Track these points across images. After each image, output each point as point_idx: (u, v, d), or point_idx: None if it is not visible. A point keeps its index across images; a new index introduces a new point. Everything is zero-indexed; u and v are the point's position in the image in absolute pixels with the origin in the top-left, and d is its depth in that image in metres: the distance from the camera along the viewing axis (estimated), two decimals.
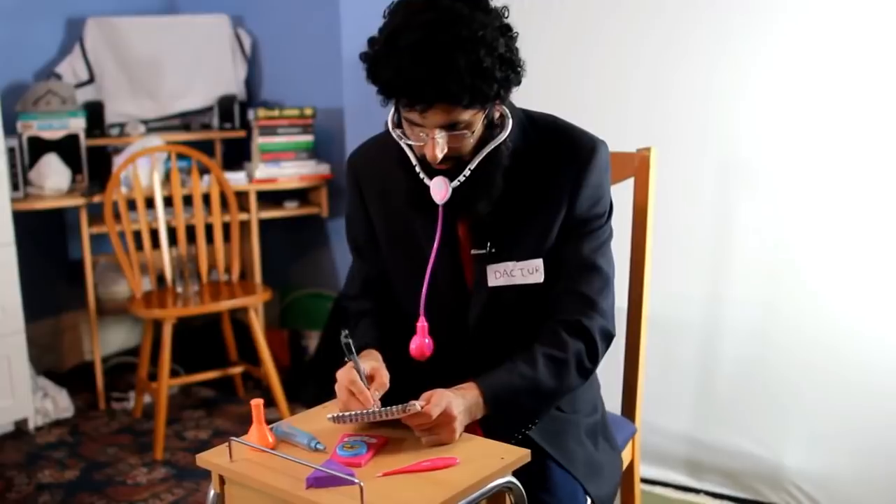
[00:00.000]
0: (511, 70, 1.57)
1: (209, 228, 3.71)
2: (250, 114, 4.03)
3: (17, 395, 3.48)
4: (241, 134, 4.19)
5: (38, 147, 3.76)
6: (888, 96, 2.53)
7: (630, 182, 2.09)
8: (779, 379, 2.73)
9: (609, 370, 2.14)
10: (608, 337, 1.73)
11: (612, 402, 2.11)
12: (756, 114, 2.72)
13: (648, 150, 2.06)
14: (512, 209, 1.70)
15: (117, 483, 3.14)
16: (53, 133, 3.79)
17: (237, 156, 4.24)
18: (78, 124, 3.85)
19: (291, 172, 3.95)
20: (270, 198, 4.06)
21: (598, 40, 2.98)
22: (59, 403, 3.69)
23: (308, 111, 3.96)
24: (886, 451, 2.58)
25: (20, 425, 3.57)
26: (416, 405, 1.51)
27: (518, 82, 1.61)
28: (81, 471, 3.23)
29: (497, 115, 1.65)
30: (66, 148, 3.80)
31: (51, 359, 4.14)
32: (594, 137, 1.74)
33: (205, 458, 1.54)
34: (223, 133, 4.20)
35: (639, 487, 2.14)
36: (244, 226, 3.90)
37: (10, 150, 3.60)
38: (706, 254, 2.83)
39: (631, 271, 2.09)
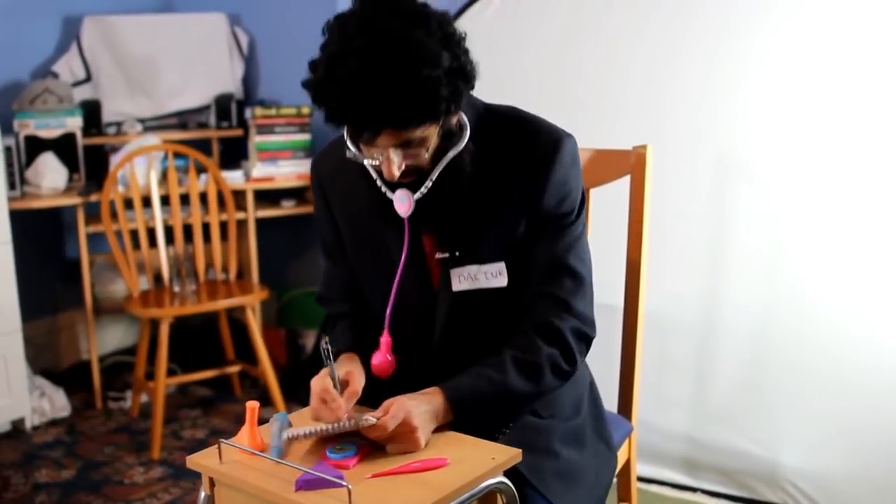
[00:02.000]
0: (460, 79, 1.53)
1: (206, 227, 3.71)
2: (247, 112, 4.03)
3: (13, 394, 3.48)
4: (238, 132, 4.18)
5: (35, 146, 3.75)
6: (884, 93, 2.53)
7: (626, 180, 2.08)
8: (776, 378, 2.73)
9: (606, 369, 2.14)
10: (584, 338, 1.69)
11: (608, 400, 2.11)
12: (752, 111, 2.72)
13: (644, 147, 2.05)
14: (474, 211, 1.66)
15: (114, 482, 3.14)
16: (50, 132, 3.78)
17: (234, 154, 4.24)
18: (75, 123, 3.84)
19: (288, 171, 3.95)
20: (267, 196, 4.06)
21: (593, 38, 2.99)
22: (56, 403, 3.69)
23: (305, 110, 3.96)
24: (883, 450, 2.58)
25: (17, 424, 3.56)
26: (371, 418, 1.49)
27: (471, 86, 1.58)
28: (78, 470, 3.23)
29: (454, 121, 1.61)
30: (63, 147, 3.80)
31: (47, 358, 4.13)
32: (558, 130, 1.69)
33: (194, 461, 1.53)
34: (220, 132, 4.20)
35: (635, 486, 2.14)
36: (241, 224, 3.90)
37: (7, 149, 3.60)
38: (703, 252, 2.83)
39: (627, 270, 2.09)
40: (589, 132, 2.85)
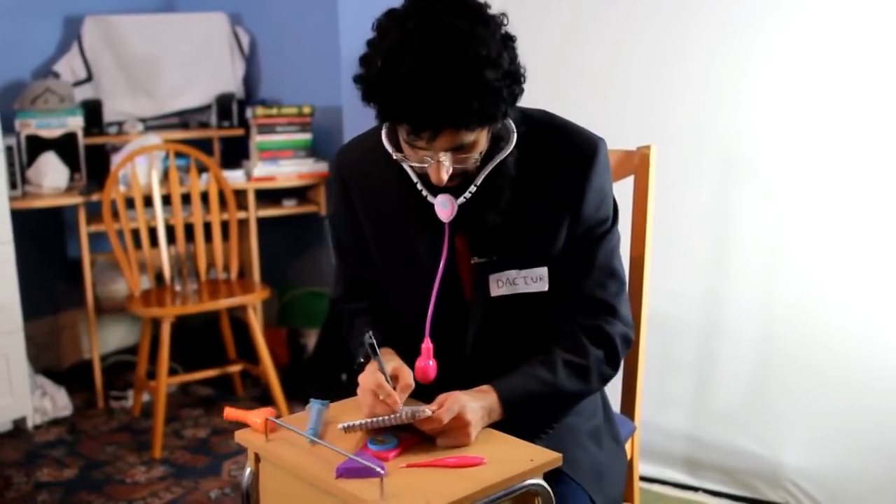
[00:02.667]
0: (516, 81, 1.51)
1: (207, 227, 3.71)
2: (248, 112, 4.03)
3: (15, 393, 3.48)
4: (240, 132, 4.18)
5: (37, 145, 3.75)
6: (886, 92, 2.53)
7: (630, 180, 2.09)
8: (778, 377, 2.73)
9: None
10: (628, 343, 1.70)
11: (611, 400, 2.11)
12: (755, 110, 2.72)
13: (648, 147, 2.06)
14: (514, 215, 1.63)
15: (116, 482, 3.14)
16: (51, 131, 3.78)
17: (235, 154, 4.24)
18: (76, 123, 3.84)
19: (290, 171, 3.95)
20: (269, 196, 4.06)
21: (594, 38, 2.98)
22: (58, 402, 3.69)
23: (306, 109, 3.96)
24: (884, 449, 2.58)
25: (19, 424, 3.56)
26: (427, 410, 1.48)
27: (522, 90, 1.55)
28: (80, 469, 3.23)
29: (502, 125, 1.59)
30: (65, 146, 3.80)
31: (49, 357, 4.13)
32: (593, 136, 1.68)
33: (242, 436, 1.56)
34: (221, 131, 4.20)
35: (638, 485, 2.14)
36: (242, 224, 3.90)
37: (9, 149, 3.60)
38: (705, 252, 2.83)
39: (630, 269, 2.09)
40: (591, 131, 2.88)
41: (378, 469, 1.34)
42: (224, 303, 3.49)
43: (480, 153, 1.54)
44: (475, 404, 1.53)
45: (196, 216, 3.62)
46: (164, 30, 4.22)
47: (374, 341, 1.52)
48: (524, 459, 1.46)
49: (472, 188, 1.57)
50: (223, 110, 4.18)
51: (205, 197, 3.69)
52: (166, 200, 3.66)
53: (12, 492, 3.06)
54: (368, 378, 1.56)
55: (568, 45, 3.03)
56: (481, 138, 1.52)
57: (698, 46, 2.79)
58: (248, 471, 1.58)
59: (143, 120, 4.16)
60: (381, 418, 1.49)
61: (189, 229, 3.69)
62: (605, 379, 1.68)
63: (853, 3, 2.56)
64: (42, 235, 4.09)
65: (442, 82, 1.41)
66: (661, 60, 2.86)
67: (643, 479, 2.90)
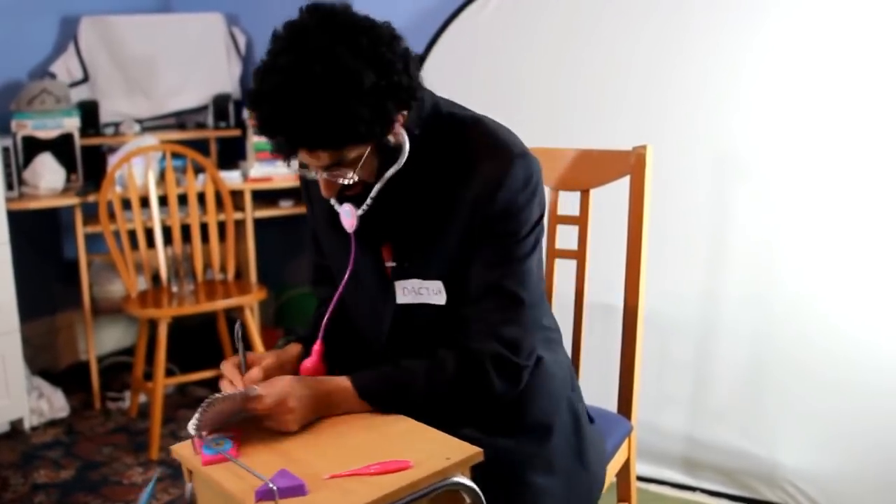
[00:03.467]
0: (391, 98, 1.47)
1: (204, 227, 3.71)
2: (245, 112, 4.03)
3: (12, 394, 3.48)
4: (236, 133, 4.18)
5: (33, 146, 3.75)
6: (882, 92, 2.53)
7: (626, 180, 2.08)
8: (775, 377, 2.73)
9: (605, 368, 2.14)
10: (508, 366, 1.59)
11: (608, 400, 2.12)
12: (751, 110, 2.72)
13: (644, 147, 2.06)
14: (423, 222, 1.62)
15: (113, 483, 3.13)
16: (48, 132, 3.78)
17: (232, 155, 4.24)
18: (72, 123, 3.84)
19: (286, 171, 3.94)
20: (265, 197, 4.05)
21: (590, 37, 2.99)
22: (55, 403, 3.68)
23: None
24: (882, 449, 2.58)
25: (15, 425, 3.56)
26: (255, 389, 1.50)
27: (408, 104, 1.53)
28: (77, 470, 3.23)
29: (393, 138, 1.54)
30: (61, 147, 3.79)
31: (46, 358, 4.13)
32: (514, 149, 1.59)
33: (178, 451, 1.52)
34: (218, 132, 4.20)
35: (635, 485, 2.14)
36: (239, 225, 3.90)
37: (5, 150, 3.60)
38: (702, 252, 2.83)
39: (627, 269, 2.09)
40: (587, 132, 2.88)
41: (299, 486, 1.33)
42: (221, 304, 3.48)
43: (361, 168, 1.53)
44: (303, 392, 1.54)
45: (193, 217, 3.62)
46: (161, 30, 4.22)
47: (240, 330, 1.60)
48: (441, 457, 1.41)
49: (368, 201, 1.59)
50: (220, 111, 4.18)
51: (201, 198, 3.69)
52: (163, 201, 3.66)
53: (9, 493, 3.06)
54: (225, 365, 1.65)
55: (562, 45, 3.04)
56: (359, 154, 1.51)
57: (695, 47, 2.80)
58: (188, 486, 1.54)
59: (139, 121, 4.15)
60: (212, 397, 1.48)
61: (186, 230, 3.68)
62: (475, 397, 1.60)
63: (849, 3, 2.56)
64: (38, 236, 4.09)
65: (293, 104, 1.43)
66: (657, 60, 2.86)
67: (640, 479, 2.90)
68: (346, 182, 1.54)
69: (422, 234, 1.63)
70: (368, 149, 1.51)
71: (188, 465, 1.51)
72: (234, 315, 3.93)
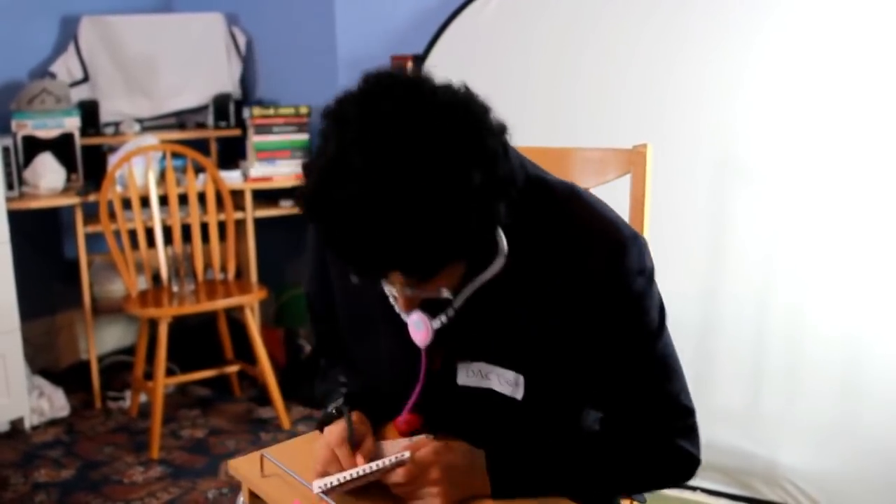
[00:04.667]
0: (497, 195, 1.17)
1: (205, 227, 3.71)
2: (245, 112, 4.02)
3: (12, 394, 3.48)
4: (237, 132, 4.18)
5: (33, 146, 3.75)
6: (883, 92, 2.53)
7: (626, 179, 2.09)
8: (775, 376, 2.73)
9: None
10: (689, 472, 1.49)
11: None
12: (751, 110, 2.72)
13: (645, 146, 2.06)
14: (511, 323, 1.35)
15: (113, 482, 3.14)
16: (48, 132, 3.78)
17: (232, 154, 4.24)
18: (73, 123, 3.84)
19: (287, 171, 3.95)
20: (266, 196, 4.05)
21: (591, 36, 2.99)
22: (55, 402, 3.68)
23: (303, 109, 3.95)
24: (881, 448, 2.58)
25: (16, 424, 3.56)
26: (407, 454, 1.28)
27: (511, 197, 1.21)
28: (77, 470, 3.23)
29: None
30: (61, 147, 3.80)
31: (46, 358, 4.13)
32: (620, 231, 1.32)
33: (236, 466, 1.42)
34: (218, 132, 4.20)
35: None
36: (240, 224, 3.90)
37: (5, 150, 3.60)
38: (702, 251, 2.83)
39: None
40: (587, 131, 2.88)
41: None
42: (221, 303, 3.49)
43: (453, 282, 1.29)
44: (458, 459, 1.29)
45: (193, 217, 3.62)
46: (161, 30, 4.22)
47: (346, 409, 1.38)
48: None
49: (451, 312, 1.33)
50: (220, 111, 4.18)
51: (202, 197, 3.69)
52: (163, 201, 3.66)
53: (9, 492, 3.06)
54: (333, 433, 1.36)
55: (564, 45, 3.04)
56: (446, 274, 1.24)
57: (695, 48, 2.79)
58: (240, 499, 1.45)
59: (139, 120, 4.16)
60: (358, 469, 1.29)
61: (186, 230, 3.68)
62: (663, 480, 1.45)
63: (850, 4, 2.56)
64: (39, 236, 4.09)
65: (383, 222, 1.11)
66: (658, 60, 2.86)
67: None
68: (436, 297, 1.29)
69: (509, 329, 1.36)
70: (459, 264, 1.26)
71: (248, 485, 1.40)
72: (234, 315, 3.94)
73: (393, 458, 1.28)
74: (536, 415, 1.37)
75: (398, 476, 1.27)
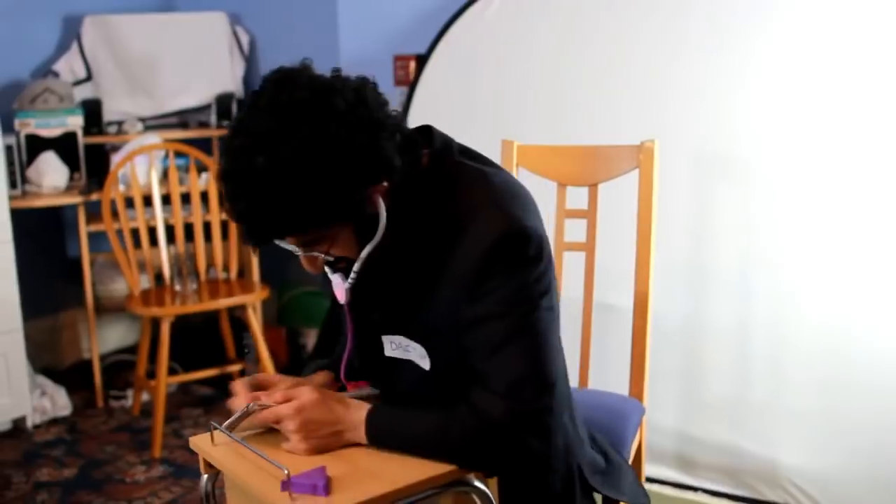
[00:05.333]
0: (358, 178, 1.36)
1: (207, 226, 3.71)
2: None
3: (14, 392, 3.48)
4: None
5: (36, 145, 3.76)
6: (881, 94, 2.53)
7: (634, 174, 2.13)
8: (775, 375, 2.73)
9: (612, 356, 2.15)
10: (526, 417, 1.42)
11: (615, 387, 2.15)
12: (751, 110, 2.72)
13: (653, 142, 2.11)
14: (409, 287, 1.50)
15: (115, 481, 3.14)
16: (51, 131, 3.79)
17: None
18: (75, 122, 3.85)
19: None
20: None
21: (593, 37, 2.99)
22: (57, 401, 3.69)
23: None
24: (881, 448, 2.58)
25: (18, 423, 3.57)
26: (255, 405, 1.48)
27: (382, 180, 1.39)
28: (79, 469, 3.23)
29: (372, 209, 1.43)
30: (64, 146, 3.80)
31: (49, 357, 4.14)
32: (502, 224, 1.42)
33: (195, 442, 1.56)
34: (221, 131, 4.20)
35: (644, 466, 2.18)
36: None
37: (8, 148, 3.61)
38: (701, 251, 2.83)
39: (637, 260, 2.14)
40: (589, 131, 2.88)
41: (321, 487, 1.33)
42: (224, 302, 3.49)
43: (336, 245, 1.44)
44: (319, 414, 1.47)
45: (196, 216, 3.63)
46: (164, 29, 4.23)
47: (249, 349, 1.57)
48: None
49: (352, 276, 1.48)
50: (223, 110, 4.18)
51: (204, 196, 3.70)
52: (166, 200, 3.66)
53: (11, 491, 3.07)
54: (240, 382, 1.58)
55: (566, 45, 3.04)
56: (329, 234, 1.42)
57: (696, 48, 2.80)
58: (203, 477, 1.58)
59: (142, 119, 4.16)
60: (243, 407, 1.49)
61: (189, 229, 3.69)
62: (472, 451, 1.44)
63: (850, 5, 2.56)
64: (42, 235, 4.10)
65: (237, 193, 1.35)
66: (659, 60, 2.86)
67: None
68: (325, 256, 1.46)
69: (408, 297, 1.51)
70: (341, 228, 1.42)
71: (206, 457, 1.53)
72: (237, 314, 3.94)
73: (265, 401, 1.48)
74: (444, 384, 1.50)
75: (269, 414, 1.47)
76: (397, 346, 1.56)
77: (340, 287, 1.51)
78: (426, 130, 1.54)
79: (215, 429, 1.50)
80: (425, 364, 1.52)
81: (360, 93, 1.40)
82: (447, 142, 1.53)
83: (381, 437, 1.47)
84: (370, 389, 1.60)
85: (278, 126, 1.33)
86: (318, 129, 1.34)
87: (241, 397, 1.53)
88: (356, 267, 1.46)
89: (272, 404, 1.47)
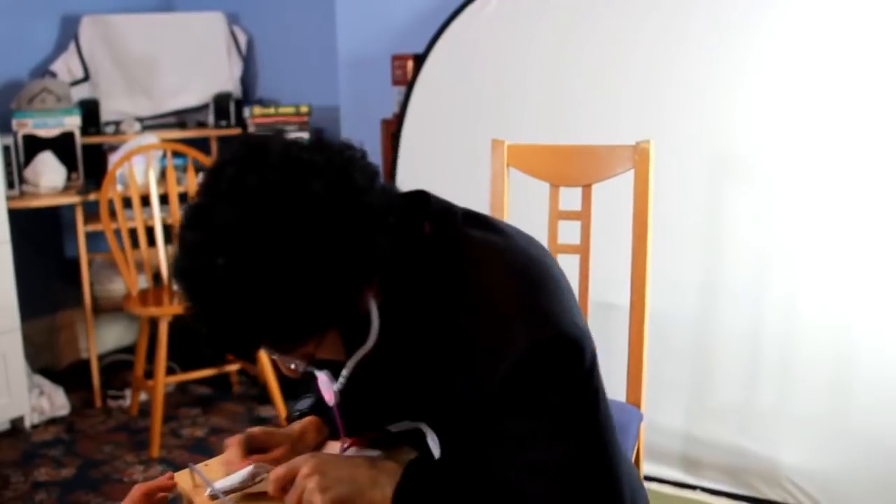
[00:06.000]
0: (345, 280, 1.10)
1: None
2: (246, 111, 4.03)
3: (13, 392, 3.48)
4: (237, 131, 4.18)
5: (34, 145, 3.75)
6: (882, 92, 2.53)
7: (629, 175, 2.12)
8: (775, 375, 2.74)
9: (608, 360, 2.15)
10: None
11: (611, 392, 2.13)
12: (750, 109, 2.72)
13: (648, 142, 2.09)
14: (416, 381, 1.27)
15: (113, 481, 3.14)
16: (49, 131, 3.78)
17: None
18: (73, 122, 3.84)
19: None
20: None
21: (591, 35, 2.99)
22: (56, 401, 3.69)
23: (303, 109, 3.95)
24: (882, 447, 2.58)
25: (16, 423, 3.56)
26: (266, 468, 1.33)
27: (378, 273, 1.14)
28: (78, 469, 3.23)
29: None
30: (62, 146, 3.80)
31: (47, 357, 4.13)
32: (538, 332, 1.16)
33: (180, 478, 1.43)
34: (219, 131, 4.20)
35: (642, 472, 2.16)
36: None
37: (6, 149, 3.60)
38: (700, 250, 2.83)
39: (633, 262, 2.12)
40: (587, 130, 2.88)
41: None
42: None
43: (327, 350, 1.21)
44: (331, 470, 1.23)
45: None
46: (162, 29, 4.22)
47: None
48: None
49: (342, 380, 1.26)
50: (220, 110, 4.18)
51: None
52: (164, 200, 3.66)
53: (10, 491, 3.06)
54: (235, 440, 1.40)
55: (564, 44, 3.04)
56: (317, 341, 1.18)
57: (695, 47, 2.79)
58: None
59: (140, 119, 4.16)
60: (239, 474, 1.34)
61: None
62: None
63: (849, 3, 2.56)
64: (39, 235, 4.09)
65: (192, 297, 1.12)
66: (658, 59, 2.86)
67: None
68: (301, 365, 1.24)
69: (411, 395, 1.29)
70: (323, 335, 1.18)
71: (188, 497, 1.41)
72: None
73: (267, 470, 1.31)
74: (455, 469, 1.28)
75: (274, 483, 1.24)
76: (403, 426, 1.36)
77: (328, 388, 1.30)
78: (421, 197, 1.27)
79: (213, 496, 1.35)
80: (436, 450, 1.31)
81: (346, 172, 1.12)
82: (447, 209, 1.27)
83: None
84: (375, 451, 1.44)
85: (240, 217, 1.06)
86: (291, 222, 1.06)
87: (235, 455, 1.37)
88: (345, 373, 1.25)
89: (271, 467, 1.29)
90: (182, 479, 1.43)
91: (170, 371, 3.71)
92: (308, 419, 1.47)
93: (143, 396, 3.77)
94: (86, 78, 4.10)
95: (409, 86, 3.39)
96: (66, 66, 4.07)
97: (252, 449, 1.40)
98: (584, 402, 1.21)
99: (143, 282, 3.80)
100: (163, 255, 3.57)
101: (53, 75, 4.03)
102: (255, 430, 1.42)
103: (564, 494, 1.18)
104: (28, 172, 3.72)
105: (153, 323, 3.51)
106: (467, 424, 1.23)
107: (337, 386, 1.27)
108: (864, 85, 2.56)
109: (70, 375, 4.05)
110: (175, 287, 1.18)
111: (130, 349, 4.17)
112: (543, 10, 3.08)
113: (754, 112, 2.72)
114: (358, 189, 1.11)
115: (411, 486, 1.24)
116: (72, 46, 4.09)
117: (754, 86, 2.72)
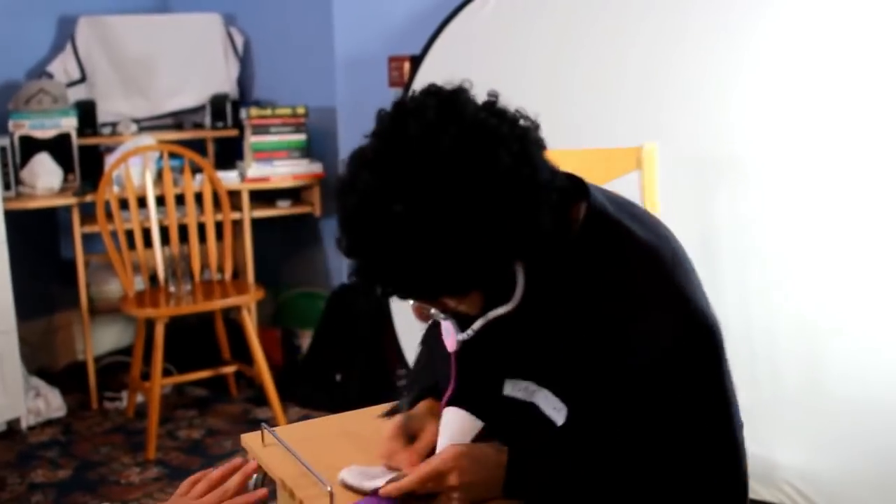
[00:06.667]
0: (508, 249, 1.16)
1: (201, 227, 3.70)
2: (242, 113, 4.02)
3: (9, 394, 3.47)
4: (234, 133, 4.18)
5: (30, 146, 3.75)
6: (881, 91, 2.53)
7: (635, 175, 2.12)
8: (771, 375, 2.73)
9: None
10: None
11: None
12: (747, 110, 2.72)
13: (653, 144, 2.09)
14: (550, 344, 1.31)
15: (110, 482, 3.13)
16: (45, 132, 3.78)
17: (229, 155, 4.23)
18: (70, 123, 3.84)
19: (284, 171, 3.95)
20: (263, 197, 4.05)
21: (589, 36, 2.99)
22: (52, 403, 3.68)
23: (300, 110, 3.95)
24: (880, 449, 2.58)
25: (12, 425, 3.56)
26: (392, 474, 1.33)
27: (538, 236, 1.17)
28: (74, 470, 3.23)
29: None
30: (58, 147, 3.79)
31: (43, 358, 4.12)
32: (691, 303, 1.30)
33: (246, 441, 1.52)
34: (215, 132, 4.19)
35: None
36: (237, 225, 3.90)
37: (2, 150, 3.60)
38: (699, 250, 2.82)
39: None
40: (585, 131, 2.88)
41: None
42: (218, 303, 3.48)
43: (468, 305, 1.26)
44: (471, 463, 1.26)
45: (190, 217, 3.62)
46: (159, 30, 4.22)
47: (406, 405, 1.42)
48: None
49: (470, 332, 1.29)
50: (217, 111, 4.18)
51: (199, 198, 3.69)
52: (160, 201, 3.66)
53: (6, 493, 3.06)
54: (390, 425, 1.41)
55: (562, 44, 3.04)
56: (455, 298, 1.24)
57: (692, 47, 2.80)
58: (253, 477, 1.48)
59: (137, 121, 4.15)
60: (376, 482, 1.32)
61: (183, 230, 3.68)
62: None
63: (846, 3, 2.57)
64: (36, 236, 4.09)
65: (361, 241, 1.15)
66: (656, 61, 2.86)
67: None
68: (449, 312, 1.28)
69: (542, 354, 1.34)
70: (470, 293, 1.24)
71: (252, 454, 1.49)
72: (232, 315, 3.93)
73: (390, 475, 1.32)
74: (575, 442, 1.31)
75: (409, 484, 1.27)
76: (522, 390, 1.37)
77: (452, 335, 1.32)
78: (575, 177, 1.33)
79: (347, 485, 1.35)
80: (559, 417, 1.32)
81: (525, 144, 1.19)
82: (601, 191, 1.35)
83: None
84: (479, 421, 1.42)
85: (427, 173, 1.11)
86: (475, 190, 1.11)
87: (398, 446, 1.38)
88: (477, 325, 1.28)
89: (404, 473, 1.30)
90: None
91: (166, 373, 3.70)
92: (429, 400, 1.47)
93: (139, 398, 3.76)
94: (82, 79, 4.10)
95: (406, 87, 3.39)
96: (63, 67, 4.06)
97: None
98: (721, 389, 1.37)
99: (139, 283, 3.79)
100: (159, 256, 3.57)
101: (50, 76, 4.02)
102: (407, 415, 1.43)
103: (692, 477, 1.30)
104: (24, 174, 3.72)
105: (150, 324, 3.50)
106: (597, 400, 1.27)
107: (463, 336, 1.30)
108: (860, 86, 2.56)
109: (66, 377, 4.04)
110: (338, 238, 1.19)
111: (127, 351, 4.16)
112: (540, 11, 3.08)
113: (751, 112, 2.72)
114: (535, 166, 1.17)
115: (523, 464, 1.28)
116: (68, 47, 4.08)
117: (751, 86, 2.72)
